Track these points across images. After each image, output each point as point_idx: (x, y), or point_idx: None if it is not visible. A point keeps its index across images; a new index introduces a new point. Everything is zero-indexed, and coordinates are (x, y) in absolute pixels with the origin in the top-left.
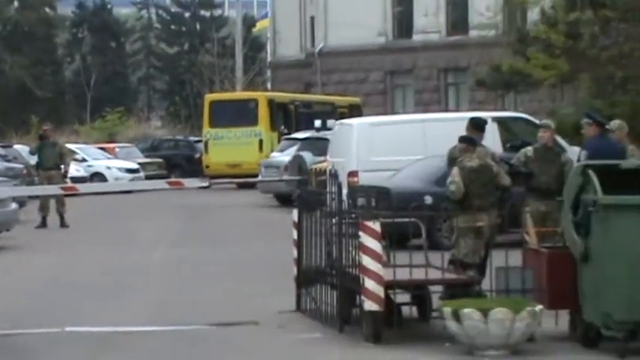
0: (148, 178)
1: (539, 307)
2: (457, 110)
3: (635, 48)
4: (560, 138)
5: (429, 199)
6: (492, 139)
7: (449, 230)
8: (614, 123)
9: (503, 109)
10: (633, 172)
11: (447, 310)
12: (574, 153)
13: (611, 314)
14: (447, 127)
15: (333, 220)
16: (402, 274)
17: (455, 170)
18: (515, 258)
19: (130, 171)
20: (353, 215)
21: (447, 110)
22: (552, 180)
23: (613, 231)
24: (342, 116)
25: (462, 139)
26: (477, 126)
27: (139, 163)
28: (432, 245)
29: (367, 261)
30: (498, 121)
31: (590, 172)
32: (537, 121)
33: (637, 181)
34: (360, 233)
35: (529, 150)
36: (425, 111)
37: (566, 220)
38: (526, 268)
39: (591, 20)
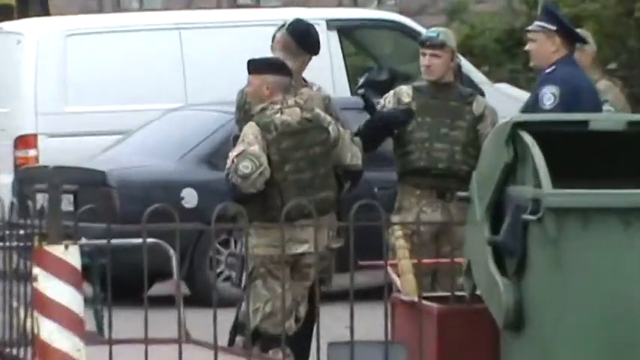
0: None
1: None
2: (257, 6)
3: None
4: (471, 66)
5: (190, 197)
6: (329, 67)
7: (239, 260)
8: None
9: (355, 5)
10: (608, 137)
11: None
12: (503, 98)
13: None
14: (234, 39)
15: None
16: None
17: (250, 131)
18: (373, 321)
19: None
20: (22, 232)
21: (236, 6)
22: (451, 153)
23: (573, 260)
24: (6, 14)
25: (259, 65)
26: (303, 38)
27: None
28: (194, 295)
29: (50, 330)
30: (339, 28)
31: (527, 137)
32: (423, 30)
33: (616, 156)
34: (36, 270)
35: (404, 91)
36: (188, 7)
37: (479, 239)
38: (394, 343)
39: None
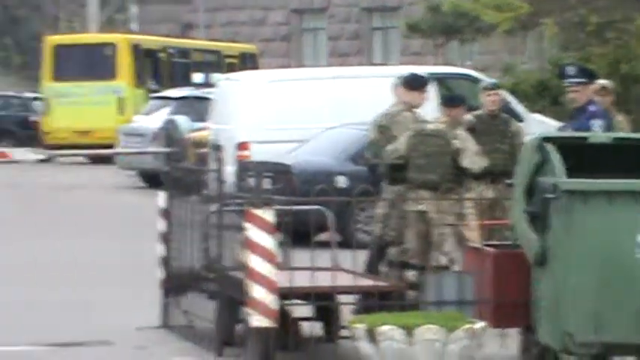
0: None
1: (480, 324)
2: (384, 64)
3: None
4: (516, 102)
5: (341, 181)
6: (429, 103)
7: (382, 219)
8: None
9: (445, 64)
10: (604, 148)
11: (360, 328)
12: (536, 123)
13: (572, 334)
14: (369, 86)
15: (213, 208)
16: (303, 280)
17: (403, 135)
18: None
19: None
20: (238, 201)
21: (371, 63)
22: (501, 157)
23: (578, 225)
24: (231, 69)
25: (450, 101)
26: (406, 83)
27: None
28: (345, 242)
29: (255, 262)
30: (437, 78)
31: (550, 147)
32: (486, 79)
33: (610, 161)
34: (247, 224)
35: (469, 119)
36: (342, 63)
37: (518, 210)
38: (465, 273)
39: None
